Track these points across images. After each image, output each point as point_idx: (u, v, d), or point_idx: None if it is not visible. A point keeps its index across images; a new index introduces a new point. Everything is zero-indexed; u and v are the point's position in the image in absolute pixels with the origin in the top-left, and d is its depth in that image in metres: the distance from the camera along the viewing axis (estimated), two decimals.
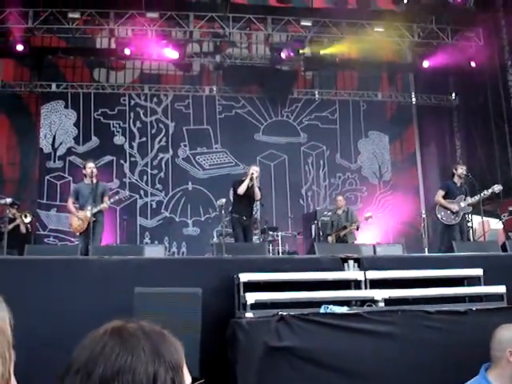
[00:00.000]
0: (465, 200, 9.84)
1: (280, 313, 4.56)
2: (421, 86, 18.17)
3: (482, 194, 9.69)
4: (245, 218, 9.89)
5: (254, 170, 9.98)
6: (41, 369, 4.93)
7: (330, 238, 12.08)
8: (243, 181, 9.93)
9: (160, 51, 15.34)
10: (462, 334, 4.38)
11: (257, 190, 9.92)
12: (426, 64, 16.54)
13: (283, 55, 15.76)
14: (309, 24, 15.63)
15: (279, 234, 13.60)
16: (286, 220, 15.55)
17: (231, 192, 10.70)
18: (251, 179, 9.83)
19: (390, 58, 17.98)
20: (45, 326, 5.43)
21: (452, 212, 9.84)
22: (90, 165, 9.61)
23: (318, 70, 17.32)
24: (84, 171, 9.65)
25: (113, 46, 15.97)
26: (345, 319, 4.62)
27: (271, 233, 13.37)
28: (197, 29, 15.59)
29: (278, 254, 12.98)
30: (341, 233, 11.77)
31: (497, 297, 5.92)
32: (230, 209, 10.13)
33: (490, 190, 9.76)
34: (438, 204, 10.04)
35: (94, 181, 9.45)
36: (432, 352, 4.48)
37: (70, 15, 14.45)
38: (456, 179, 10.09)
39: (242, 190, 9.83)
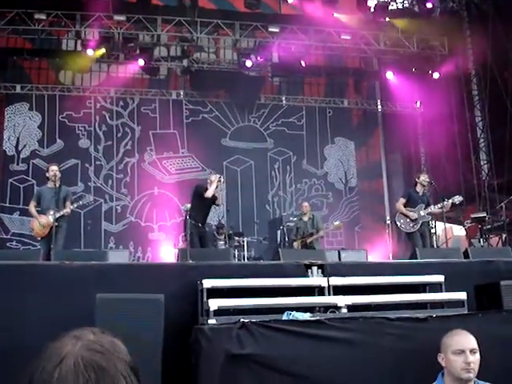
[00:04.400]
0: (425, 209, 9.97)
1: (241, 320, 4.54)
2: (386, 94, 18.36)
3: (441, 204, 9.82)
4: (200, 225, 9.93)
5: (218, 177, 10.05)
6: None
7: (295, 244, 12.08)
8: (207, 188, 9.97)
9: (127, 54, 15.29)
10: (422, 341, 4.42)
11: (219, 194, 10.10)
12: (390, 75, 16.75)
13: (249, 62, 15.82)
14: (276, 30, 15.72)
15: (245, 239, 13.61)
16: (252, 225, 15.55)
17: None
18: (217, 186, 9.94)
19: (356, 65, 18.17)
20: (3, 333, 5.32)
21: (411, 220, 9.96)
22: (54, 168, 9.43)
23: (285, 76, 17.39)
24: (47, 174, 9.45)
25: (79, 48, 15.82)
26: (306, 326, 4.63)
27: (237, 238, 13.38)
28: (164, 33, 15.56)
29: (244, 259, 12.99)
30: (307, 239, 11.79)
31: (458, 303, 5.99)
32: (188, 213, 10.09)
33: (450, 201, 9.84)
34: (398, 212, 10.18)
35: (57, 184, 9.29)
36: (392, 359, 4.52)
37: (36, 16, 14.33)
38: (418, 188, 10.22)
39: (209, 193, 9.88)
